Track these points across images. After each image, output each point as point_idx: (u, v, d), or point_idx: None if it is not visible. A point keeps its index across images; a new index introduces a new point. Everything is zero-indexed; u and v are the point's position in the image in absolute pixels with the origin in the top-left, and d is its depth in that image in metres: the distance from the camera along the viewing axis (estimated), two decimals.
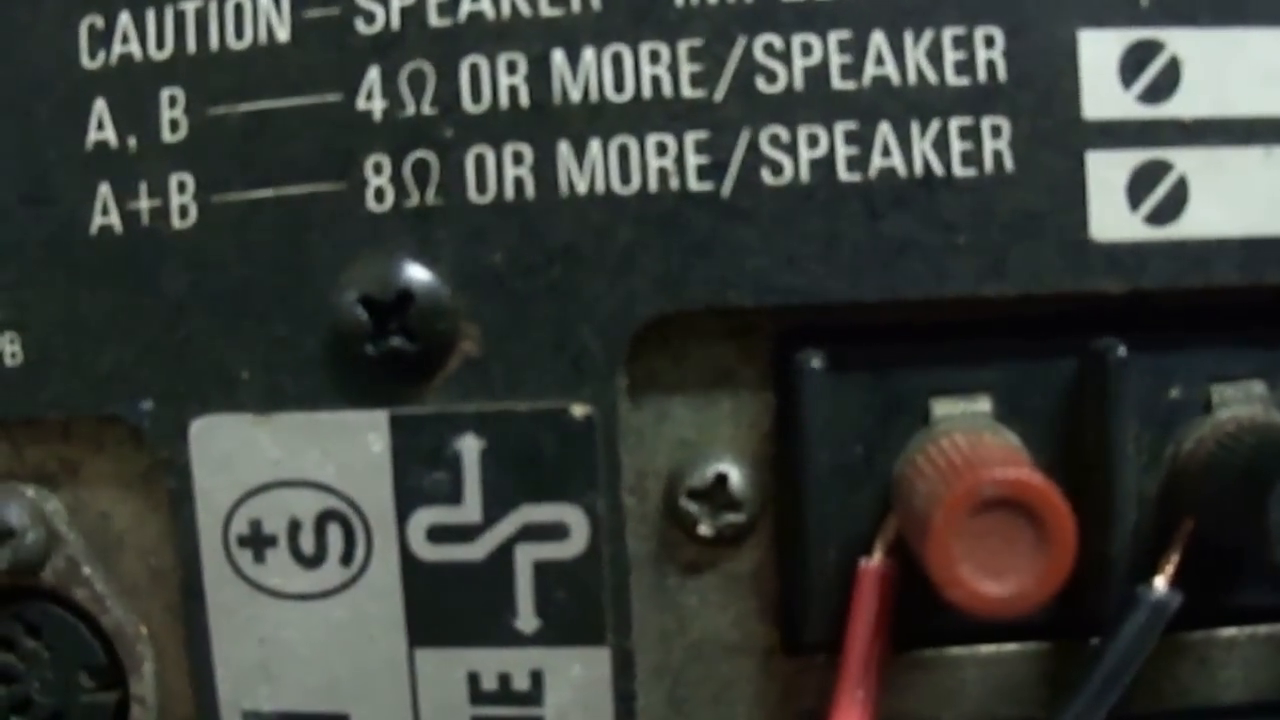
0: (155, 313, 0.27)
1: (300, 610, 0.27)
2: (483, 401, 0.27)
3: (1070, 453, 0.26)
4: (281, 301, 0.27)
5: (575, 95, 0.26)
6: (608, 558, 0.27)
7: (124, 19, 0.27)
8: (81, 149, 0.27)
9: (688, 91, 0.26)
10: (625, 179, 0.26)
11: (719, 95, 0.26)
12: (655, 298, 0.26)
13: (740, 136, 0.26)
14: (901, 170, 0.26)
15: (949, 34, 0.26)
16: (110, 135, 0.27)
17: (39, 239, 0.27)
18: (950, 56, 0.26)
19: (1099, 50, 0.26)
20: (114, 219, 0.27)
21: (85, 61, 0.27)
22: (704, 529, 0.27)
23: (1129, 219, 0.26)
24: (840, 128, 0.26)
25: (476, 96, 0.26)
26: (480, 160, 0.26)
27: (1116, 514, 0.26)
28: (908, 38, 0.26)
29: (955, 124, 0.26)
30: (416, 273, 0.26)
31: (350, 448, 0.27)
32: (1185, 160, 0.26)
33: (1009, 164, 0.26)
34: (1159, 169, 0.26)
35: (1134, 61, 0.26)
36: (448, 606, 0.27)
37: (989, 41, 0.26)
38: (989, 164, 0.26)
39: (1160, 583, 0.26)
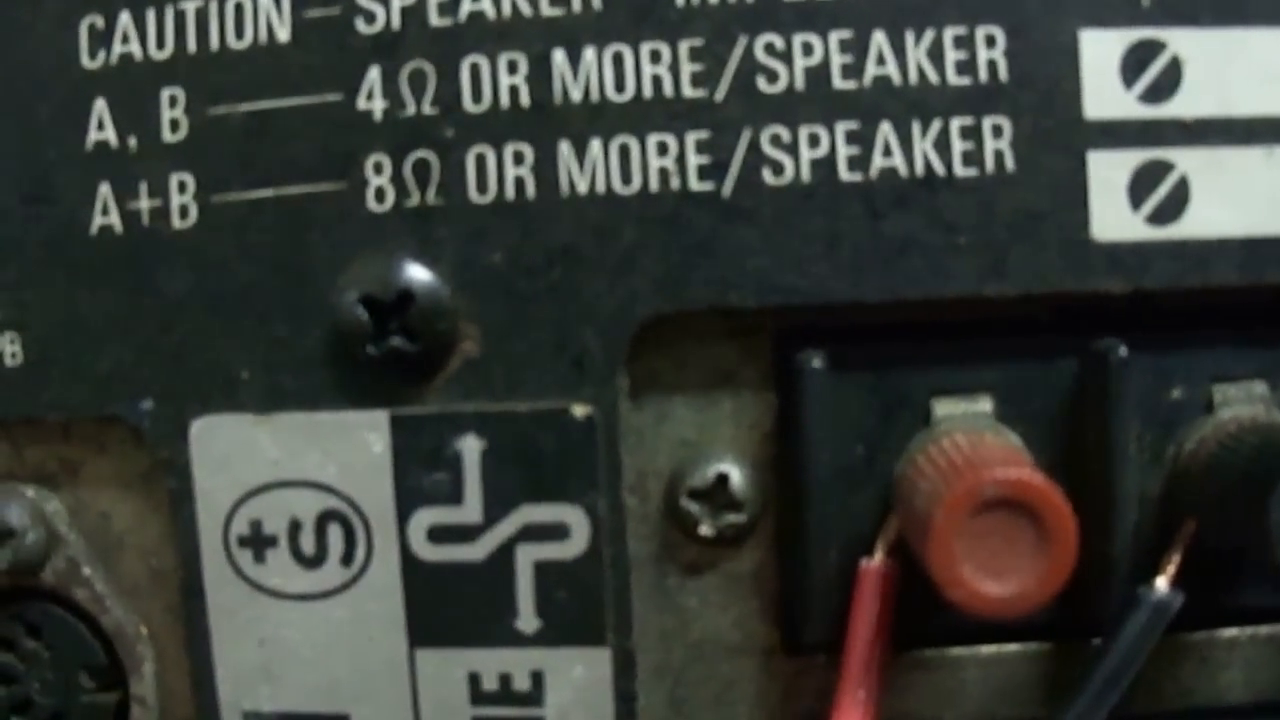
0: (155, 313, 0.27)
1: (301, 610, 0.27)
2: (483, 402, 0.27)
3: (1071, 453, 0.26)
4: (282, 301, 0.27)
5: (576, 95, 0.26)
6: (608, 558, 0.27)
7: (124, 19, 0.27)
8: (82, 149, 0.27)
9: (689, 91, 0.26)
10: (626, 179, 0.26)
11: (720, 95, 0.26)
12: (656, 298, 0.26)
13: (741, 136, 0.26)
14: (903, 170, 0.26)
15: (950, 34, 0.26)
16: (110, 135, 0.27)
17: (39, 239, 0.27)
18: (951, 56, 0.26)
19: (1100, 50, 0.26)
20: (114, 219, 0.27)
21: (85, 61, 0.27)
22: (705, 529, 0.27)
23: (1130, 219, 0.26)
24: (841, 127, 0.26)
25: (477, 96, 0.26)
26: (481, 160, 0.26)
27: (1118, 514, 0.26)
28: (909, 37, 0.26)
29: (956, 124, 0.26)
30: (417, 273, 0.26)
31: (351, 448, 0.27)
32: (1187, 160, 0.26)
33: (1010, 164, 0.26)
34: (1160, 169, 0.26)
35: (1135, 61, 0.26)
36: (448, 607, 0.27)
37: (990, 41, 0.26)
38: (990, 164, 0.26)
39: (1162, 583, 0.26)
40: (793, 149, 0.26)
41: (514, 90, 0.26)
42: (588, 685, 0.27)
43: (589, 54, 0.26)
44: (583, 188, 0.26)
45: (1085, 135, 0.26)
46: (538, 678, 0.27)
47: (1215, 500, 0.25)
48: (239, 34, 0.27)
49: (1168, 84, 0.26)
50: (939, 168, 0.26)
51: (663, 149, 0.26)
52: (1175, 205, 0.26)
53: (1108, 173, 0.26)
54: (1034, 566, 0.23)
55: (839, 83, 0.26)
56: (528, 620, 0.27)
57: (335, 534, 0.27)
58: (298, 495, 0.27)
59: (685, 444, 0.27)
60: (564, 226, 0.26)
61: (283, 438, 0.27)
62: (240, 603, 0.28)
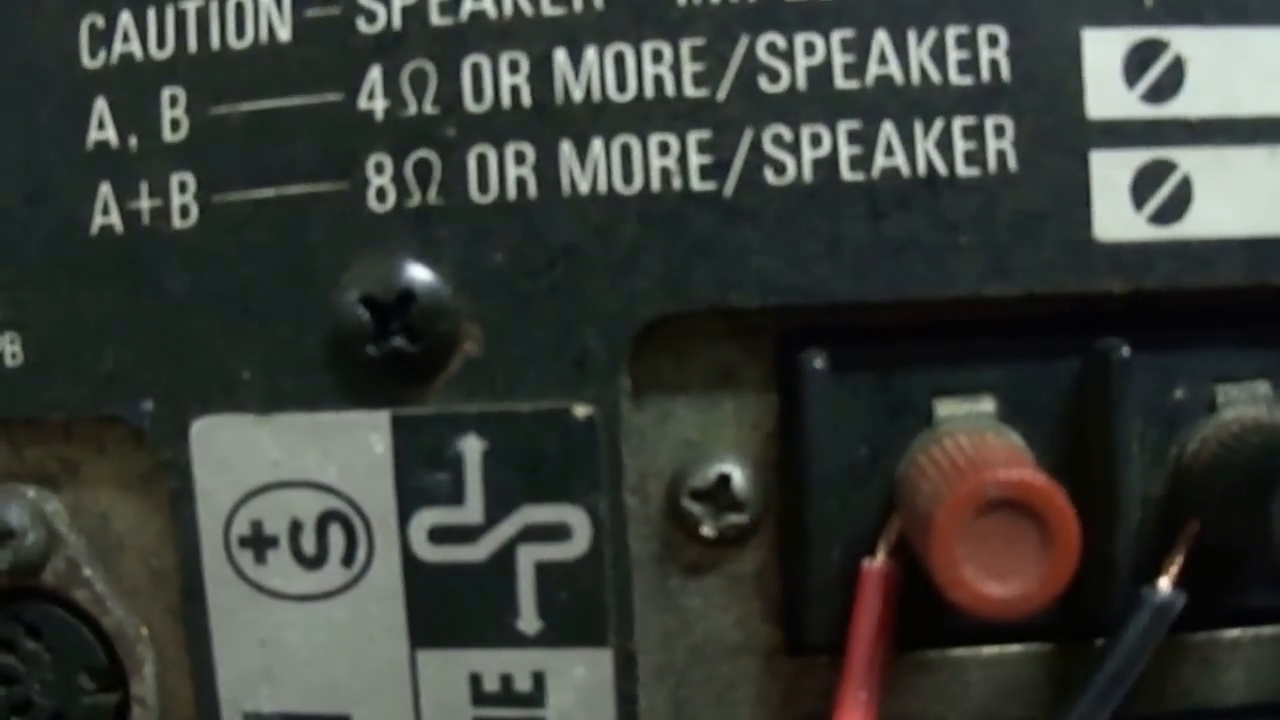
0: (156, 313, 0.27)
1: (301, 611, 0.27)
2: (484, 402, 0.27)
3: (1074, 453, 0.26)
4: (283, 302, 0.27)
5: (577, 95, 0.26)
6: (610, 558, 0.27)
7: (125, 18, 0.27)
8: (82, 148, 0.27)
9: (690, 91, 0.26)
10: (627, 179, 0.26)
11: (722, 95, 0.26)
12: (658, 298, 0.26)
13: (743, 136, 0.26)
14: (905, 170, 0.26)
15: (952, 33, 0.26)
16: (111, 135, 0.27)
17: (39, 239, 0.27)
18: (954, 56, 0.26)
19: (1103, 49, 0.26)
20: (115, 219, 0.27)
21: (86, 61, 0.27)
22: (707, 530, 0.27)
23: (1133, 219, 0.26)
24: (843, 127, 0.26)
25: (478, 96, 0.26)
26: (482, 160, 0.26)
27: (1120, 515, 0.26)
28: (911, 37, 0.26)
29: (959, 123, 0.26)
30: (418, 273, 0.26)
31: (352, 448, 0.27)
32: (1189, 160, 0.26)
33: (1012, 164, 0.26)
34: (1163, 169, 0.26)
35: (1138, 61, 0.26)
36: (449, 607, 0.27)
37: (992, 41, 0.26)
38: (992, 164, 0.26)
39: (1164, 584, 0.26)
40: (795, 149, 0.26)
41: (515, 90, 0.26)
42: (589, 686, 0.27)
43: (590, 53, 0.26)
44: (584, 187, 0.26)
45: (1088, 135, 0.26)
46: (539, 679, 0.27)
47: (1218, 501, 0.25)
48: (240, 33, 0.27)
49: (1170, 84, 0.26)
50: (941, 167, 0.26)
51: (664, 149, 0.26)
52: (1178, 205, 0.26)
53: (1110, 172, 0.26)
54: (1036, 567, 0.23)
55: (841, 82, 0.26)
56: (529, 621, 0.27)
57: (336, 534, 0.27)
58: (298, 496, 0.27)
59: (687, 444, 0.27)
60: (565, 226, 0.26)
61: (284, 438, 0.27)
62: (241, 603, 0.27)
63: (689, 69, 0.26)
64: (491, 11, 0.26)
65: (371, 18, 0.26)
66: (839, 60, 0.26)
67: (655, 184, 0.26)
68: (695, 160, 0.26)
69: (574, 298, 0.26)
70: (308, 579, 0.27)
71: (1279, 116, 0.26)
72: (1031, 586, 0.23)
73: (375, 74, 0.26)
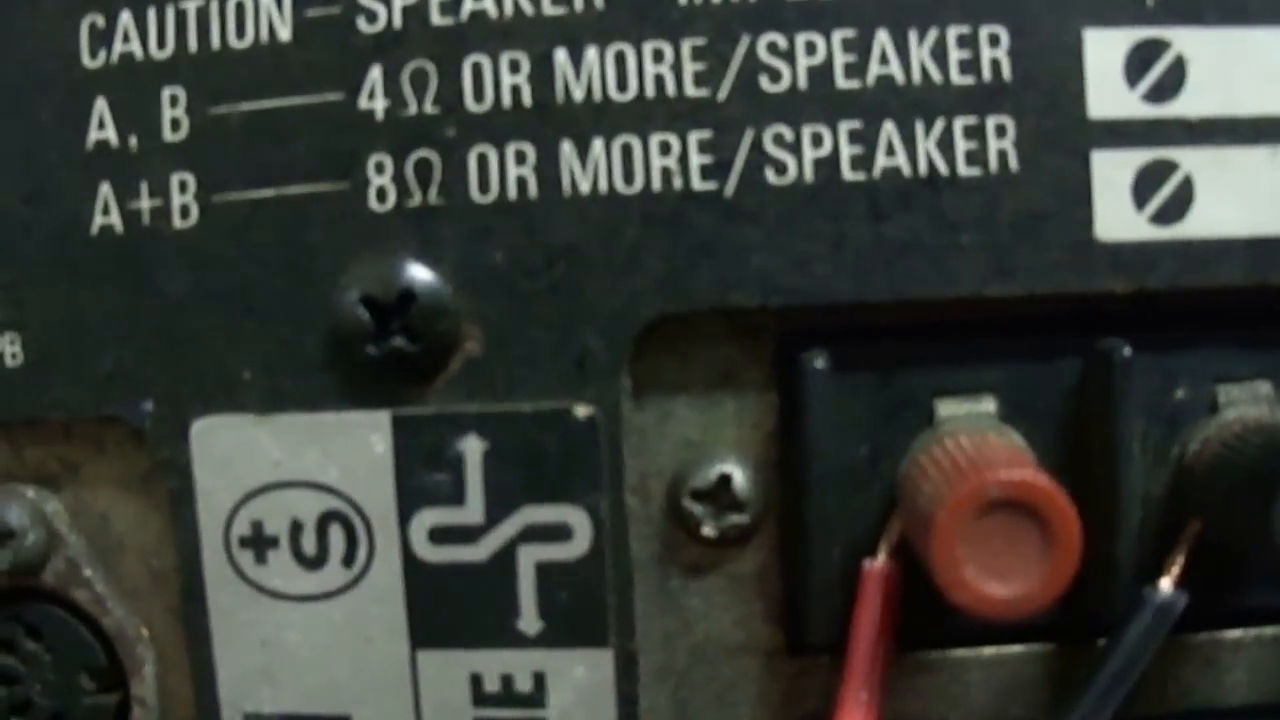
0: (156, 313, 0.27)
1: (302, 612, 0.27)
2: (485, 402, 0.27)
3: (1075, 453, 0.26)
4: (283, 302, 0.27)
5: (578, 94, 0.26)
6: (611, 559, 0.27)
7: (125, 18, 0.27)
8: (82, 148, 0.27)
9: (691, 91, 0.26)
10: (628, 178, 0.26)
11: (722, 94, 0.26)
12: (658, 298, 0.26)
13: (744, 136, 0.26)
14: (906, 170, 0.26)
15: (953, 33, 0.26)
16: (111, 134, 0.27)
17: (39, 239, 0.27)
18: (955, 55, 0.26)
19: (1104, 49, 0.26)
20: (115, 219, 0.27)
21: (86, 60, 0.27)
22: (707, 530, 0.27)
23: (1134, 219, 0.26)
24: (844, 127, 0.26)
25: (479, 96, 0.26)
26: (483, 160, 0.26)
27: (1122, 515, 0.26)
28: (912, 37, 0.26)
29: (960, 123, 0.26)
30: (418, 273, 0.26)
31: (352, 448, 0.27)
32: (1191, 160, 0.26)
33: (1014, 163, 0.26)
34: (1164, 168, 0.26)
35: (1139, 60, 0.26)
36: (450, 608, 0.27)
37: (994, 40, 0.25)
38: (994, 163, 0.26)
39: (1166, 584, 0.26)
40: (795, 148, 0.26)
41: (516, 90, 0.26)
42: (590, 686, 0.27)
43: (591, 53, 0.26)
44: (585, 187, 0.26)
45: (1089, 135, 0.26)
46: (540, 679, 0.27)
47: (1220, 501, 0.25)
48: (240, 33, 0.27)
49: (1172, 83, 0.26)
50: (942, 167, 0.26)
51: (665, 148, 0.26)
52: (1179, 205, 0.26)
53: (1112, 172, 0.26)
54: (1038, 568, 0.23)
55: (842, 82, 0.26)
56: (530, 621, 0.27)
57: (336, 535, 0.27)
58: (299, 496, 0.27)
59: (688, 444, 0.27)
60: (566, 226, 0.26)
61: (284, 438, 0.27)
62: (241, 604, 0.27)
63: (690, 69, 0.26)
64: (492, 11, 0.26)
65: (372, 17, 0.26)
66: (840, 60, 0.26)
67: (656, 184, 0.26)
68: (696, 160, 0.26)
69: (575, 298, 0.26)
70: (308, 579, 0.27)
71: None
72: (1033, 587, 0.23)
73: (376, 74, 0.26)
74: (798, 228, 0.26)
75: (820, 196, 0.26)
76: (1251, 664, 0.27)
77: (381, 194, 0.26)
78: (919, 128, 0.26)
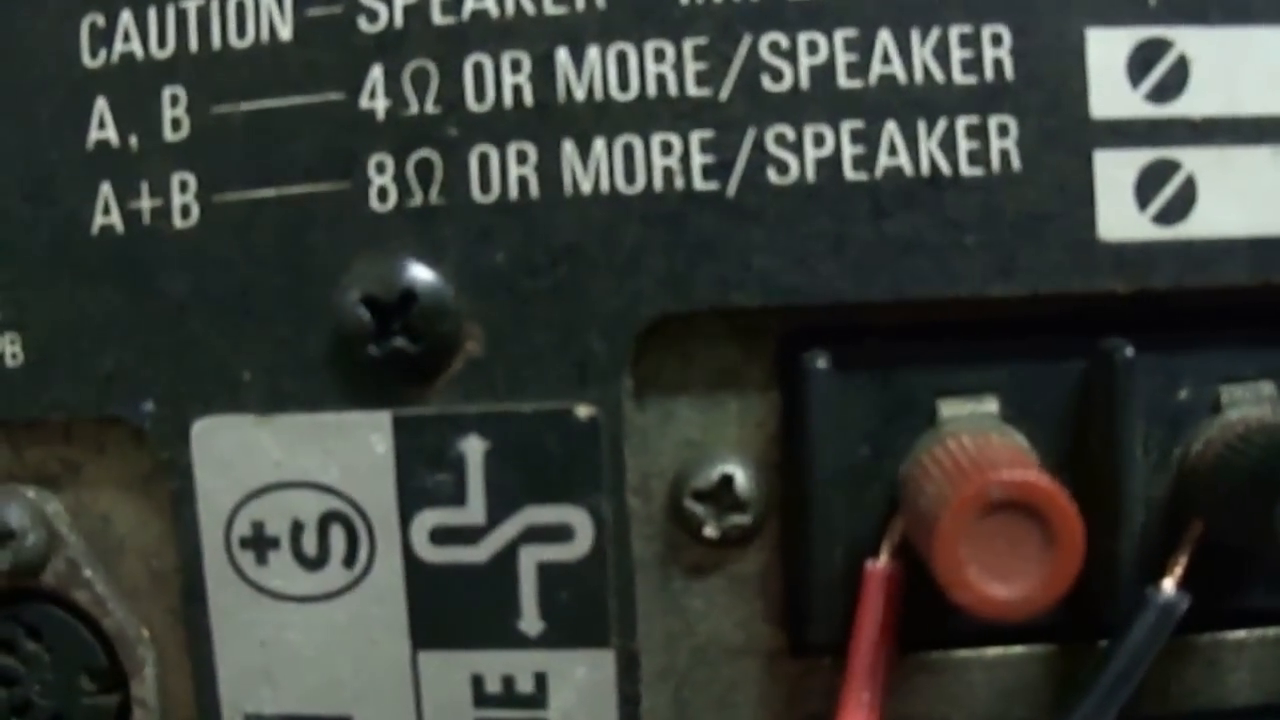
0: (157, 313, 0.27)
1: (303, 612, 0.27)
2: (486, 402, 0.27)
3: (1078, 454, 0.26)
4: (284, 302, 0.27)
5: (580, 94, 0.26)
6: (612, 559, 0.27)
7: (125, 17, 0.27)
8: (83, 148, 0.27)
9: (693, 90, 0.26)
10: (630, 178, 0.26)
11: (724, 94, 0.26)
12: (660, 298, 0.26)
13: (746, 135, 0.26)
14: (908, 169, 0.26)
15: (956, 32, 0.25)
16: (112, 134, 0.27)
17: (40, 239, 0.27)
18: (957, 55, 0.25)
19: (1107, 49, 0.25)
20: (115, 219, 0.27)
21: (87, 60, 0.27)
22: (709, 530, 0.27)
23: (1137, 218, 0.26)
24: (846, 127, 0.26)
25: (480, 95, 0.26)
26: (484, 159, 0.26)
27: (1124, 515, 0.26)
28: (914, 36, 0.26)
29: (962, 123, 0.26)
30: (420, 273, 0.26)
31: (353, 449, 0.27)
32: (1193, 159, 0.26)
33: (1016, 163, 0.26)
34: (1167, 168, 0.26)
35: (1142, 60, 0.26)
36: (451, 609, 0.27)
37: (996, 40, 0.25)
38: (996, 163, 0.26)
39: (1169, 585, 0.26)
40: (797, 148, 0.26)
41: (517, 89, 0.26)
42: (591, 687, 0.27)
43: (593, 53, 0.26)
44: (586, 187, 0.26)
45: (1092, 134, 0.26)
46: (541, 680, 0.27)
47: (1222, 501, 0.25)
48: (241, 33, 0.26)
49: (1175, 83, 0.26)
50: (945, 167, 0.26)
51: (667, 148, 0.26)
52: (1182, 205, 0.26)
53: (1114, 172, 0.26)
54: (1040, 569, 0.23)
55: (844, 81, 0.26)
56: (531, 622, 0.27)
57: (337, 535, 0.27)
58: (300, 496, 0.27)
59: (689, 445, 0.27)
60: (568, 226, 0.26)
61: (285, 439, 0.27)
62: (242, 604, 0.27)
63: (691, 68, 0.26)
64: (493, 10, 0.26)
65: (373, 17, 0.26)
66: (842, 59, 0.26)
67: (658, 184, 0.26)
68: (698, 160, 0.26)
69: (576, 298, 0.26)
70: (309, 580, 0.27)
71: None
72: (1035, 587, 0.23)
73: (377, 73, 0.26)
74: (800, 227, 0.26)
75: (822, 196, 0.26)
76: (1254, 665, 0.27)
77: (383, 194, 0.26)
78: (921, 127, 0.26)
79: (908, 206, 0.26)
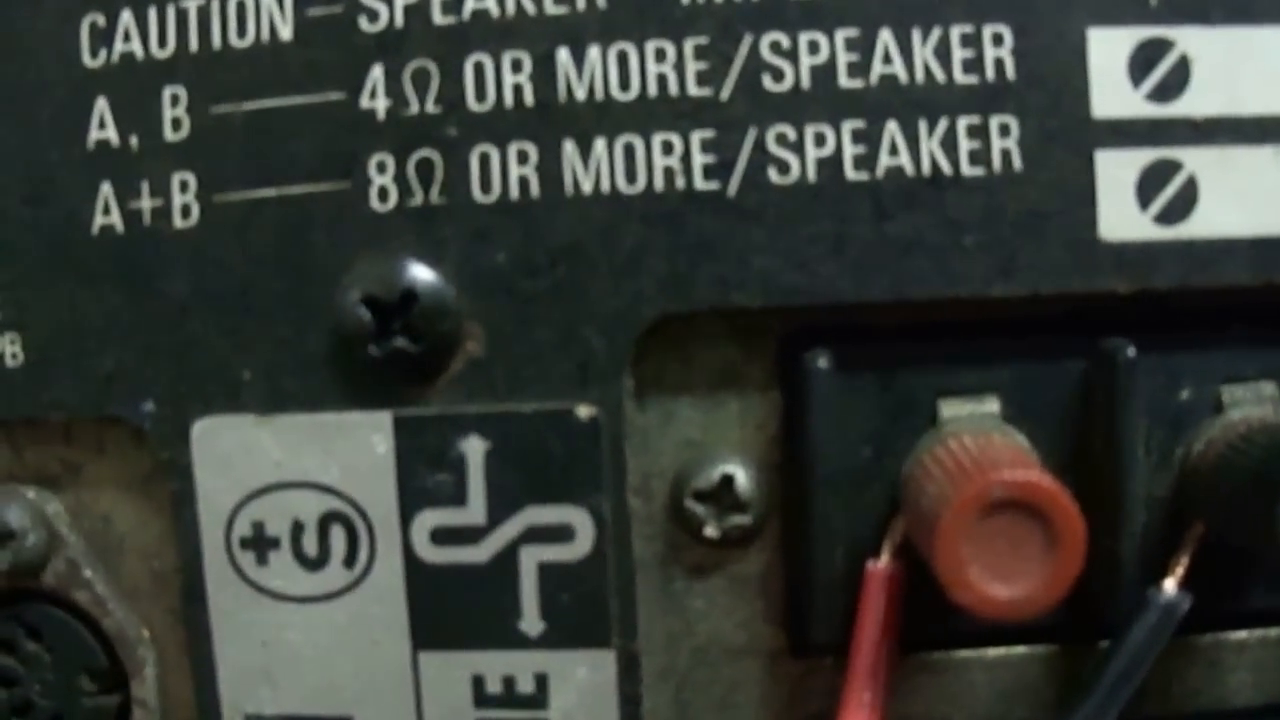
0: (157, 313, 0.27)
1: (303, 613, 0.27)
2: (487, 402, 0.27)
3: (1079, 454, 0.26)
4: (284, 302, 0.27)
5: (580, 94, 0.26)
6: (613, 560, 0.27)
7: (126, 17, 0.27)
8: (83, 148, 0.27)
9: (694, 90, 0.26)
10: (631, 178, 0.26)
11: (725, 94, 0.26)
12: (661, 298, 0.26)
13: (747, 135, 0.26)
14: (909, 169, 0.26)
15: (957, 32, 0.25)
16: (112, 134, 0.27)
17: (40, 239, 0.27)
18: (958, 55, 0.25)
19: (1108, 48, 0.25)
20: (115, 219, 0.27)
21: (87, 60, 0.27)
22: (710, 531, 0.27)
23: (1138, 218, 0.26)
24: (847, 126, 0.26)
25: (481, 95, 0.26)
26: (485, 159, 0.26)
27: (1126, 516, 0.26)
28: (915, 36, 0.25)
29: (963, 123, 0.26)
30: (420, 273, 0.26)
31: (354, 449, 0.27)
32: (1195, 159, 0.26)
33: (1017, 163, 0.26)
34: (1168, 168, 0.26)
35: (1143, 60, 0.25)
36: (452, 609, 0.27)
37: (997, 40, 0.25)
38: (997, 163, 0.26)
39: (1170, 585, 0.26)
40: (798, 148, 0.26)
41: (518, 89, 0.26)
42: (592, 688, 0.27)
43: (593, 52, 0.26)
44: (587, 187, 0.26)
45: (1093, 134, 0.25)
46: (542, 680, 0.27)
47: (1224, 502, 0.25)
48: (241, 32, 0.26)
49: (1176, 83, 0.26)
50: (946, 167, 0.26)
51: (668, 148, 0.26)
52: (1183, 205, 0.26)
53: (1116, 172, 0.26)
54: (1042, 569, 0.23)
55: (845, 81, 0.26)
56: (532, 622, 0.27)
57: (338, 536, 0.27)
58: (300, 497, 0.27)
59: (690, 445, 0.27)
60: (568, 226, 0.26)
61: (285, 439, 0.27)
62: (242, 605, 0.27)
63: (692, 68, 0.26)
64: (494, 10, 0.26)
65: (374, 16, 0.26)
66: (843, 59, 0.26)
67: (658, 184, 0.26)
68: (699, 160, 0.26)
69: (577, 298, 0.26)
70: (309, 580, 0.27)
71: None
72: (1037, 588, 0.23)
73: (377, 73, 0.26)
74: (800, 228, 0.26)
75: (823, 196, 0.26)
76: (1256, 665, 0.27)
77: (383, 194, 0.26)
78: (922, 127, 0.26)
79: (909, 206, 0.26)
